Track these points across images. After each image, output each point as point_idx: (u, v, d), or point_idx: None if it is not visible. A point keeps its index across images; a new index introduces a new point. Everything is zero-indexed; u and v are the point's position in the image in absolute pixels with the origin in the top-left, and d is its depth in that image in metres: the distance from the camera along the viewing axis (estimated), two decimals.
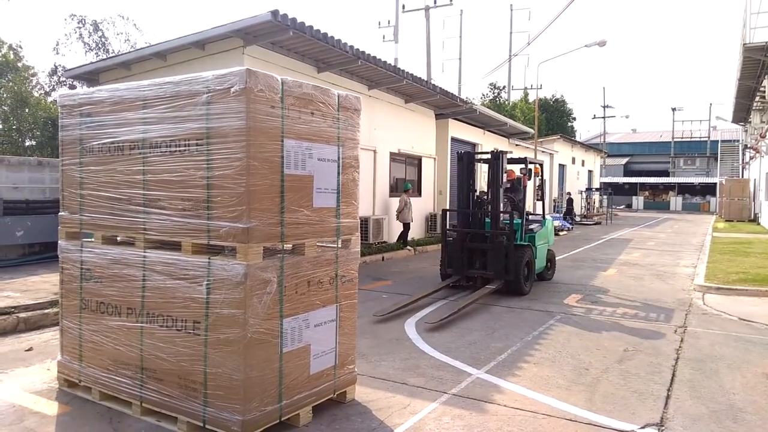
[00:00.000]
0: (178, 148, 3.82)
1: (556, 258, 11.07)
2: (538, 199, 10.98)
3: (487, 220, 9.32)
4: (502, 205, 9.20)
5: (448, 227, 9.72)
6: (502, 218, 9.16)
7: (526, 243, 9.29)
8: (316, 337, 4.07)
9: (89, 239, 4.49)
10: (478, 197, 9.64)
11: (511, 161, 9.87)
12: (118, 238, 4.40)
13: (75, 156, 4.49)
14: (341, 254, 4.30)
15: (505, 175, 9.17)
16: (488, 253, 9.01)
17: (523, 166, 9.95)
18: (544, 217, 10.50)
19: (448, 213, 10.08)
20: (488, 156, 9.38)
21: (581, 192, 34.08)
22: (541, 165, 10.69)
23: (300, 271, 3.91)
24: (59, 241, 4.64)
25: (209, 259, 3.69)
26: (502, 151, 9.20)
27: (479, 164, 10.10)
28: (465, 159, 9.62)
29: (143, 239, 4.05)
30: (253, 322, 3.57)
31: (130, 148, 4.10)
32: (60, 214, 4.66)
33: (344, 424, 4.03)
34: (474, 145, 20.72)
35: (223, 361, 3.61)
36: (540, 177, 10.71)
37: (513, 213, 9.22)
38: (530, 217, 10.41)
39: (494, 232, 9.00)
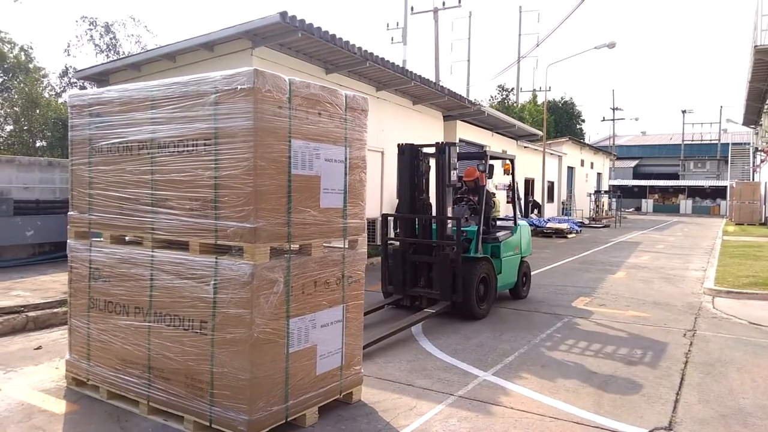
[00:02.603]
0: (186, 148, 3.84)
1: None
2: (507, 202, 9.32)
3: (435, 227, 7.64)
4: (450, 209, 7.48)
5: (390, 236, 8.03)
6: (450, 225, 7.39)
7: (482, 255, 7.58)
8: (322, 337, 4.07)
9: (98, 239, 4.52)
10: (424, 199, 7.70)
11: (468, 156, 8.45)
12: (127, 238, 4.43)
13: (84, 156, 4.52)
14: (348, 255, 4.30)
15: (454, 173, 7.46)
16: (434, 267, 7.39)
17: (480, 162, 8.05)
18: (516, 222, 8.78)
19: (389, 219, 8.13)
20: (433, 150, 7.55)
21: (590, 194, 33.94)
22: (512, 161, 8.77)
23: (307, 272, 3.91)
24: (68, 241, 4.66)
25: (216, 258, 3.70)
26: (449, 144, 7.45)
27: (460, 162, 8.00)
28: (407, 153, 7.56)
29: (151, 239, 4.07)
30: (260, 322, 3.58)
31: (139, 148, 4.12)
32: (69, 213, 4.69)
33: (350, 424, 4.03)
34: (482, 147, 20.69)
35: (230, 361, 3.62)
36: (511, 175, 8.76)
37: (463, 219, 7.64)
38: (499, 223, 8.83)
39: (440, 243, 7.30)
